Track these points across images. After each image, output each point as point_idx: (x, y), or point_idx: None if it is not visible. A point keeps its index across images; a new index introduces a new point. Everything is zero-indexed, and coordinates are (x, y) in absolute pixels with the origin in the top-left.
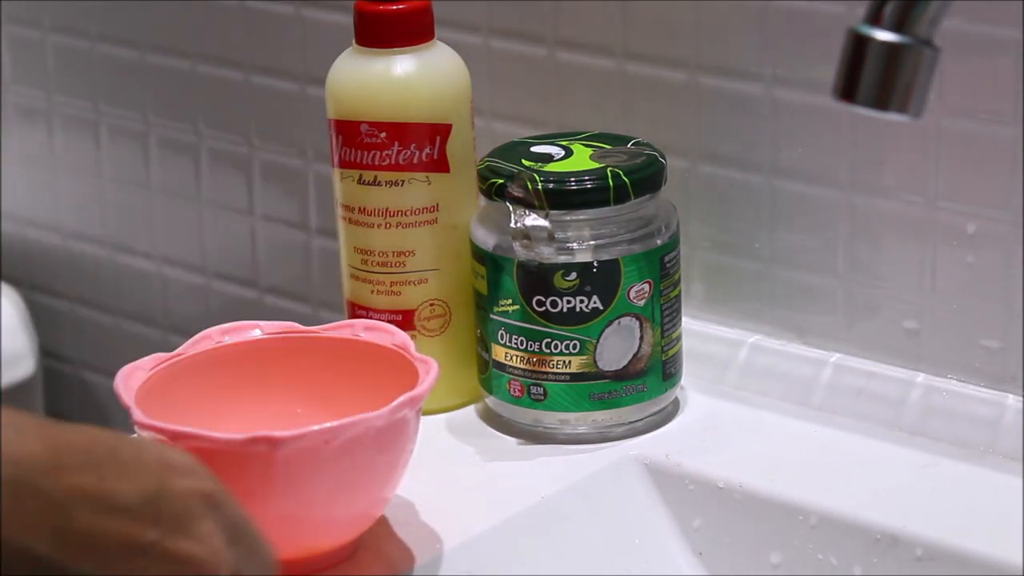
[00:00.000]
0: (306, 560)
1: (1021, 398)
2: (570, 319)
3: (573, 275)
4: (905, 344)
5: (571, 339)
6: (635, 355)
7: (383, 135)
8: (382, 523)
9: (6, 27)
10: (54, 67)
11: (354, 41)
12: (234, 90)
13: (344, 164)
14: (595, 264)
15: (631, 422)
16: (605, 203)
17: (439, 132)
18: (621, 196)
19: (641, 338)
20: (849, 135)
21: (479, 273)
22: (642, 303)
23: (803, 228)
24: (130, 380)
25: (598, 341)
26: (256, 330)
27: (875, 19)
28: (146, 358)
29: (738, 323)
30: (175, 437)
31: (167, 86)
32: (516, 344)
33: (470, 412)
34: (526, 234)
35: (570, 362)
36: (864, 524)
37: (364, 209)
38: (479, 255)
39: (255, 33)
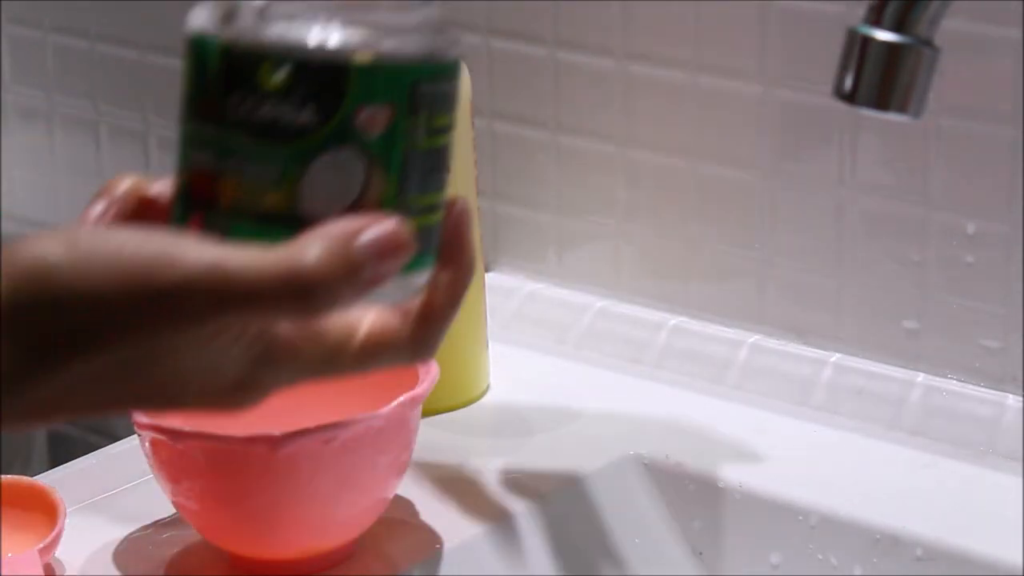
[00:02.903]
0: (306, 560)
1: (1021, 398)
2: (267, 134)
3: (284, 71)
4: (905, 344)
5: (267, 164)
6: (351, 205)
7: None
8: (382, 523)
9: (6, 27)
10: (54, 67)
11: None
12: None
13: None
14: (312, 60)
15: None
16: None
17: None
18: None
19: (365, 185)
20: (848, 135)
21: (185, 71)
22: (374, 134)
23: (803, 228)
24: None
25: (303, 174)
26: None
27: (875, 19)
28: None
29: (738, 323)
30: (175, 437)
31: (167, 86)
32: (197, 163)
33: (470, 412)
34: (232, 9)
35: (260, 194)
36: (864, 524)
37: None
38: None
39: None
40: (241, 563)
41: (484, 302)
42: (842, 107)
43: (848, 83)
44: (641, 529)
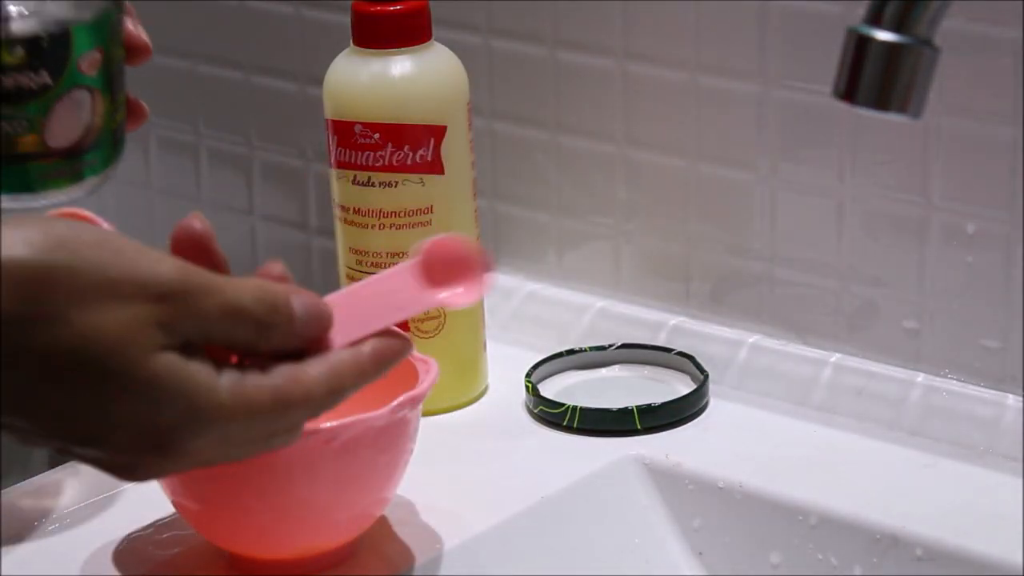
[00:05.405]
0: (306, 560)
1: (1021, 398)
2: (12, 98)
3: (19, 50)
4: (905, 344)
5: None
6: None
7: (376, 136)
8: (382, 523)
9: None
10: None
11: (352, 42)
12: (234, 90)
13: (340, 164)
14: (41, 38)
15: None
16: None
17: (433, 134)
18: None
19: (93, 111)
20: (848, 135)
21: None
22: (93, 73)
23: (803, 228)
24: None
25: (47, 118)
26: None
27: (875, 19)
28: None
29: (738, 323)
30: None
31: (168, 86)
32: None
33: (470, 412)
34: None
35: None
36: (864, 524)
37: (359, 210)
38: None
39: (255, 33)
40: (241, 563)
41: (483, 302)
42: (842, 107)
43: (848, 83)
44: (641, 529)
